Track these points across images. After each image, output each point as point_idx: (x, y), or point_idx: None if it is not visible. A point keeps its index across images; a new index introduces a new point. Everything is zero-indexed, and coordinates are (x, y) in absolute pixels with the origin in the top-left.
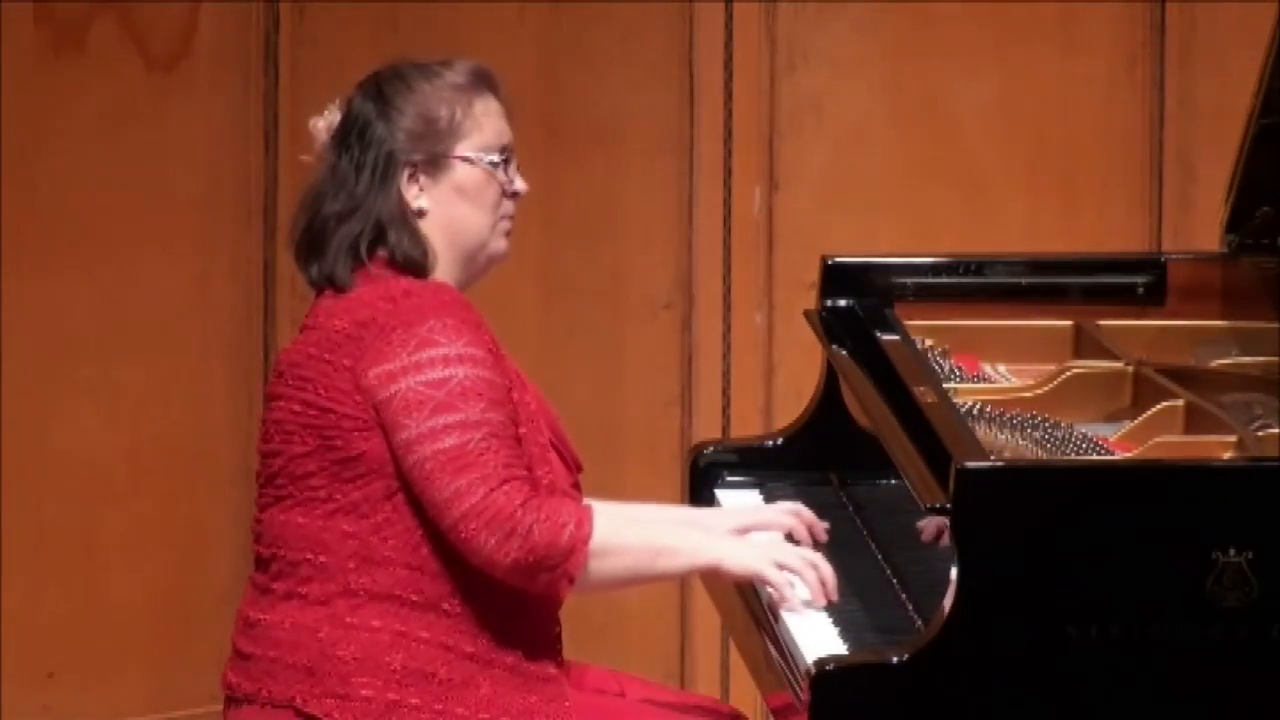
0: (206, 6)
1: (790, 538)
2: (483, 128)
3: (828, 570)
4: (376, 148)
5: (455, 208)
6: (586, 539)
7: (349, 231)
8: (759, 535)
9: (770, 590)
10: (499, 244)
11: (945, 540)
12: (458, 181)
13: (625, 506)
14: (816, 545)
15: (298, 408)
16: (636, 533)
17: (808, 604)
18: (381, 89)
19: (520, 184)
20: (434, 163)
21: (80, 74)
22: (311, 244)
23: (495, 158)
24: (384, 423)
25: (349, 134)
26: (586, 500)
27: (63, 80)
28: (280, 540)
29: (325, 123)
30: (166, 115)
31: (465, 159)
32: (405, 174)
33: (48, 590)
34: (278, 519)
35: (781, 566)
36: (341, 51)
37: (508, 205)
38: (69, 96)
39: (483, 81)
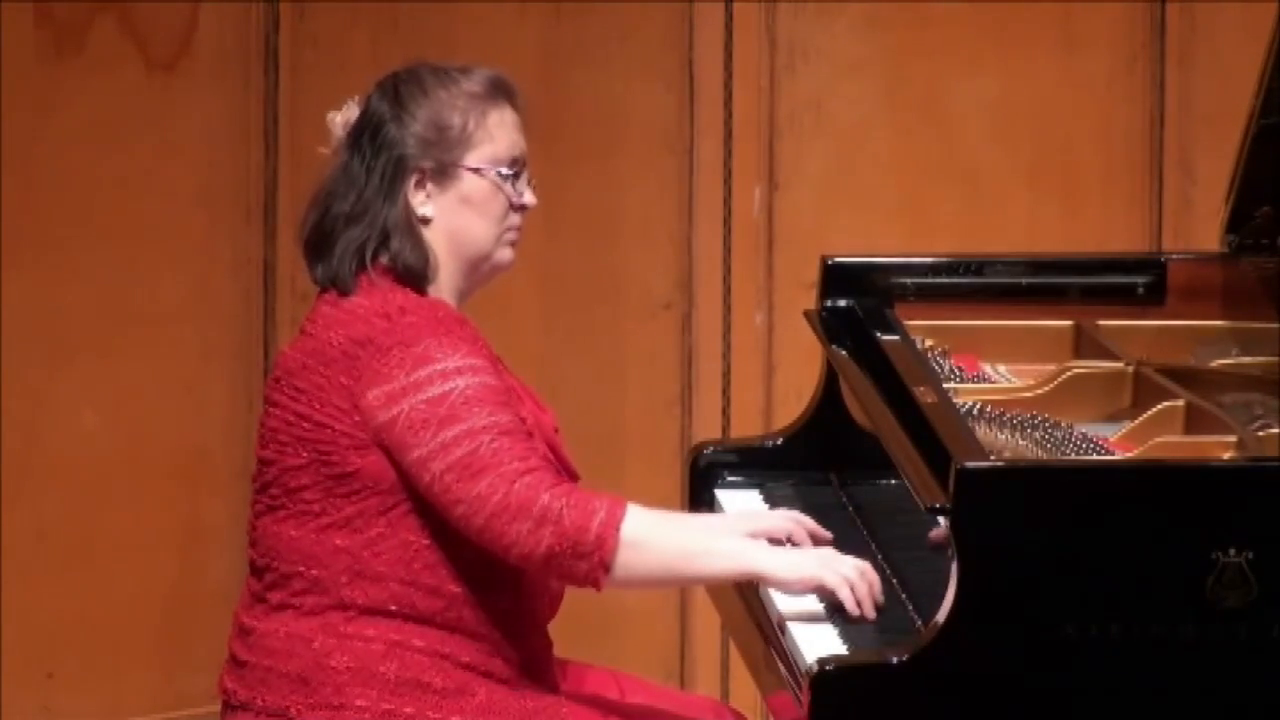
0: (206, 6)
1: (789, 543)
2: (495, 139)
3: (876, 578)
4: (387, 151)
5: (460, 217)
6: (618, 524)
7: (355, 236)
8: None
9: (834, 589)
10: (503, 255)
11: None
12: (465, 192)
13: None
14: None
15: (292, 419)
16: (674, 531)
17: (821, 620)
18: (398, 91)
19: (529, 197)
20: (442, 171)
21: (80, 74)
22: (319, 243)
23: (505, 170)
24: (389, 445)
25: (363, 134)
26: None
27: (63, 80)
28: (274, 551)
29: (342, 118)
30: (166, 115)
31: (474, 170)
32: (413, 180)
33: (48, 590)
34: (271, 529)
35: (839, 574)
36: (341, 51)
37: (514, 218)
38: (69, 96)
39: (500, 91)
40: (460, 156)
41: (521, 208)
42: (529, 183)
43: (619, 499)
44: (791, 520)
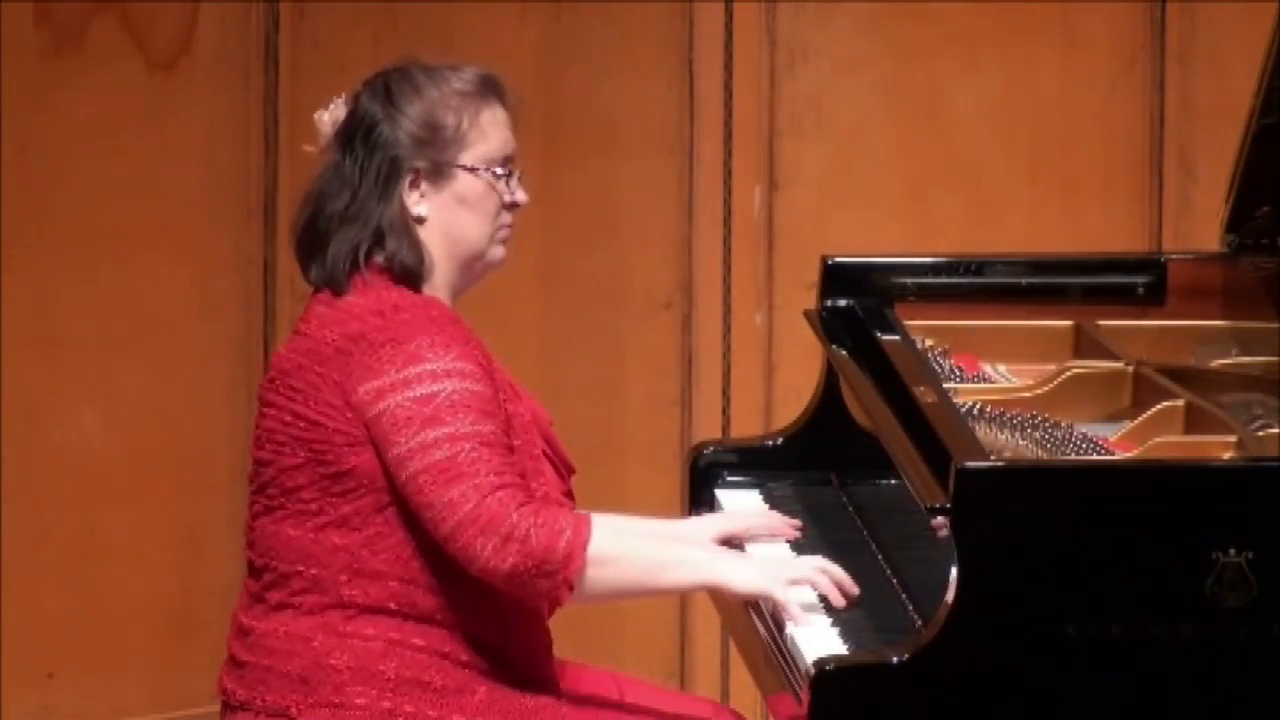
0: (206, 6)
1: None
2: (488, 137)
3: (838, 572)
4: (381, 152)
5: (455, 216)
6: (584, 544)
7: (350, 237)
8: (759, 549)
9: (781, 608)
10: (496, 252)
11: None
12: (459, 191)
13: (622, 518)
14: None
15: (288, 419)
16: (638, 545)
17: (816, 613)
18: (390, 90)
19: (521, 195)
20: (437, 170)
21: (80, 74)
22: (312, 243)
23: (499, 169)
24: (375, 439)
25: (355, 134)
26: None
27: (63, 80)
28: (272, 551)
29: (330, 116)
30: (166, 115)
31: (468, 169)
32: (407, 180)
33: (48, 590)
34: (269, 529)
35: (792, 582)
36: (341, 51)
37: (506, 216)
38: (69, 96)
39: (491, 90)
40: (454, 156)
41: (513, 205)
42: (520, 181)
43: (584, 516)
44: (757, 517)
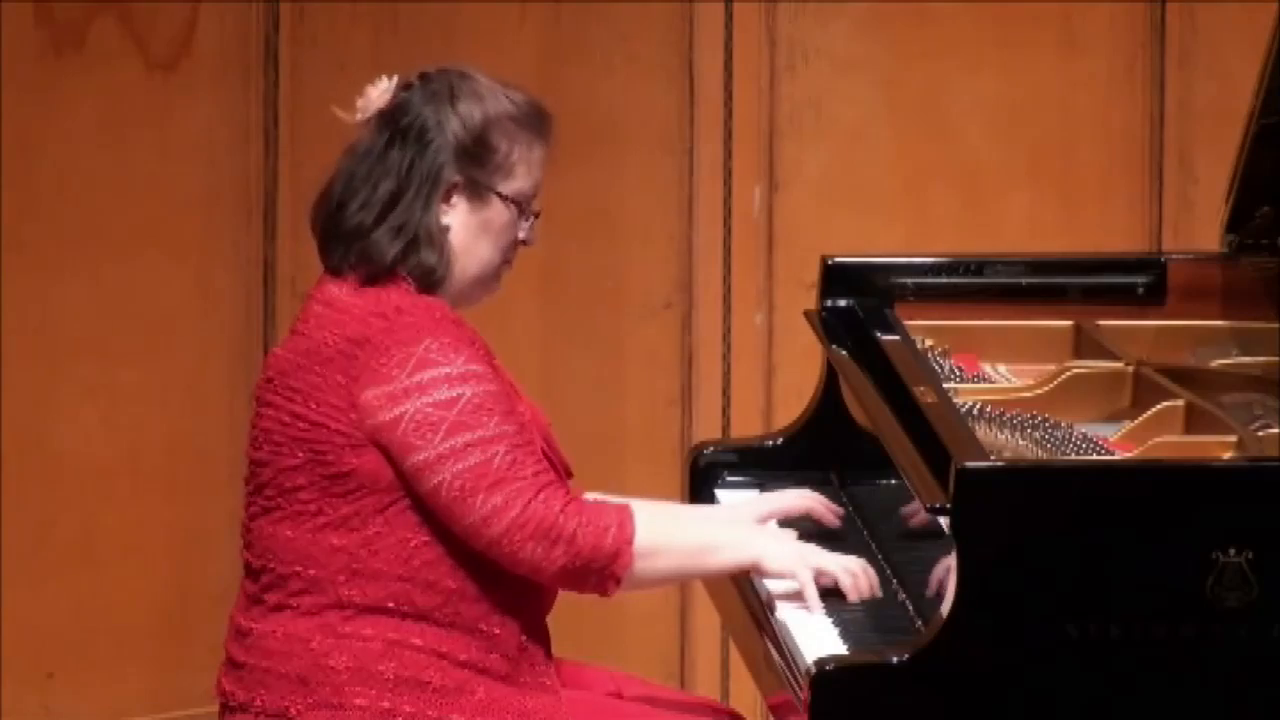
0: (206, 6)
1: (810, 520)
2: (530, 174)
3: (871, 578)
4: (431, 157)
5: (475, 239)
6: (630, 540)
7: (395, 239)
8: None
9: (802, 586)
10: (494, 285)
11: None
12: (488, 216)
13: (657, 504)
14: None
15: (287, 419)
16: (678, 531)
17: (827, 609)
18: (453, 95)
19: (534, 237)
20: (476, 190)
21: (80, 74)
22: (338, 227)
23: (527, 206)
24: (389, 445)
25: (407, 129)
26: (625, 499)
27: (63, 80)
28: (270, 552)
29: (379, 94)
30: (166, 115)
31: (504, 197)
32: (444, 189)
33: (48, 590)
34: (267, 530)
35: (819, 571)
36: (341, 51)
37: (512, 252)
38: (69, 96)
39: (545, 128)
40: (496, 182)
41: (523, 244)
42: (535, 223)
43: (625, 509)
44: (806, 499)
